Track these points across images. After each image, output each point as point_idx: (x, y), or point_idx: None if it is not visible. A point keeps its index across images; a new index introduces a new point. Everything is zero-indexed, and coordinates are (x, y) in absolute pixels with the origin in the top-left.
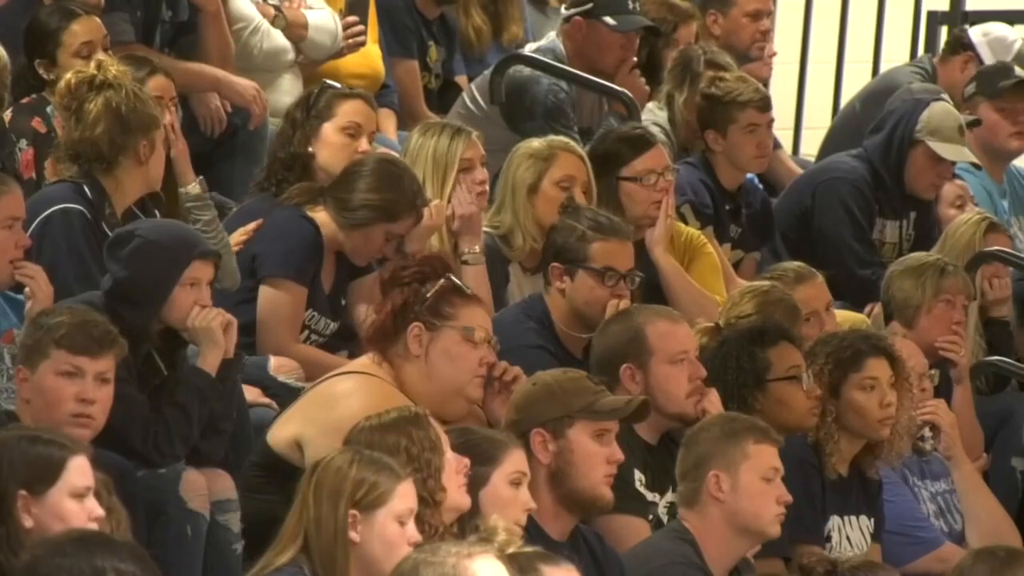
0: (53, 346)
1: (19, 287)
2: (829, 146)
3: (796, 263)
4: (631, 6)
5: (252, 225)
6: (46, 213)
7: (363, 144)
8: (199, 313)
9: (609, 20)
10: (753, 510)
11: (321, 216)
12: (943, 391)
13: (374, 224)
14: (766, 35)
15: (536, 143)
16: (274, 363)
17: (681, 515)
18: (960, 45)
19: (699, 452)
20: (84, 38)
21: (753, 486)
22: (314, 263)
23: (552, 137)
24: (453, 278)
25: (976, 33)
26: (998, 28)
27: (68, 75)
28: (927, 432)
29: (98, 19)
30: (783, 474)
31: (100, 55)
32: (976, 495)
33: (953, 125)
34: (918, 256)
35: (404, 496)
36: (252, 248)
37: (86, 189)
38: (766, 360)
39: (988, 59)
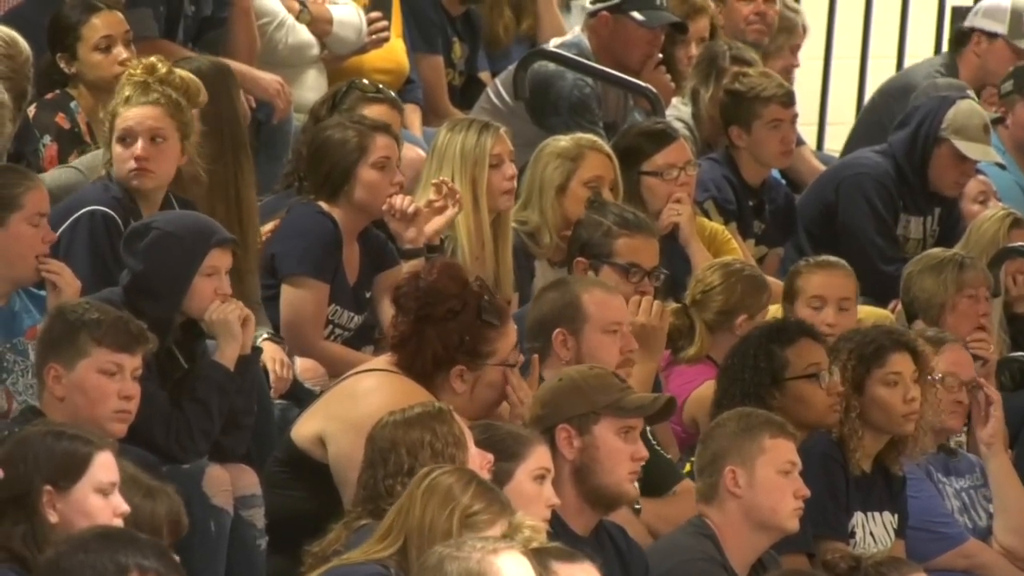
0: (93, 344)
1: (42, 284)
2: (855, 140)
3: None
4: (658, 1)
5: (269, 225)
6: (75, 215)
7: None
8: (216, 307)
9: (637, 16)
10: (770, 504)
11: (337, 210)
12: None
13: (360, 166)
14: (763, 17)
15: (564, 142)
16: (299, 366)
17: (700, 511)
18: (963, 35)
19: (715, 448)
20: (104, 32)
21: (770, 480)
22: (334, 258)
23: (580, 135)
24: (483, 314)
25: (969, 17)
26: (984, 1)
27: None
28: (961, 436)
29: (119, 14)
30: (800, 468)
31: (120, 50)
32: (1009, 488)
33: (978, 124)
34: (934, 253)
35: (504, 528)
36: (271, 247)
37: (118, 188)
38: (784, 359)
39: (991, 27)
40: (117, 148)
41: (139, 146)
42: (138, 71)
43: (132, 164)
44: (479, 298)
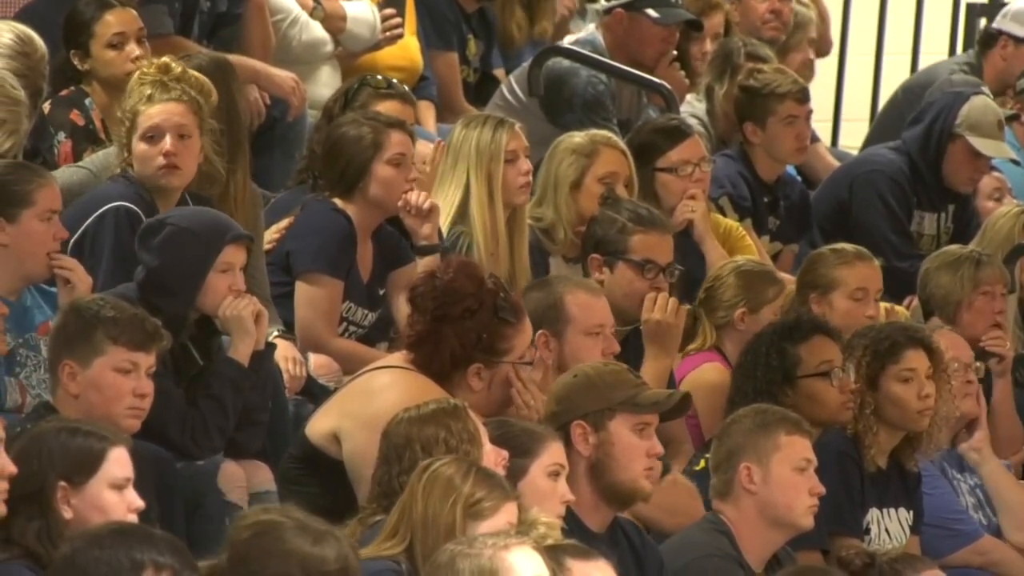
0: (109, 342)
1: (53, 280)
2: (876, 137)
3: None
4: None
5: (284, 222)
6: (101, 210)
7: None
8: (230, 303)
9: (652, 13)
10: (785, 502)
11: (352, 207)
12: (990, 383)
13: (375, 162)
14: (778, 14)
15: (578, 138)
16: (313, 362)
17: (716, 507)
18: (990, 36)
19: (731, 444)
20: (117, 29)
21: (785, 478)
22: (348, 255)
23: (594, 131)
24: (500, 311)
25: (998, 18)
26: (1016, 3)
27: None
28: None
29: (133, 11)
30: (816, 465)
31: (133, 47)
32: (1006, 488)
33: (992, 120)
34: (951, 250)
35: (508, 513)
36: (286, 244)
37: (138, 185)
38: (796, 356)
39: (1020, 32)
40: (141, 146)
41: (168, 142)
42: (151, 71)
43: (161, 161)
44: (495, 296)
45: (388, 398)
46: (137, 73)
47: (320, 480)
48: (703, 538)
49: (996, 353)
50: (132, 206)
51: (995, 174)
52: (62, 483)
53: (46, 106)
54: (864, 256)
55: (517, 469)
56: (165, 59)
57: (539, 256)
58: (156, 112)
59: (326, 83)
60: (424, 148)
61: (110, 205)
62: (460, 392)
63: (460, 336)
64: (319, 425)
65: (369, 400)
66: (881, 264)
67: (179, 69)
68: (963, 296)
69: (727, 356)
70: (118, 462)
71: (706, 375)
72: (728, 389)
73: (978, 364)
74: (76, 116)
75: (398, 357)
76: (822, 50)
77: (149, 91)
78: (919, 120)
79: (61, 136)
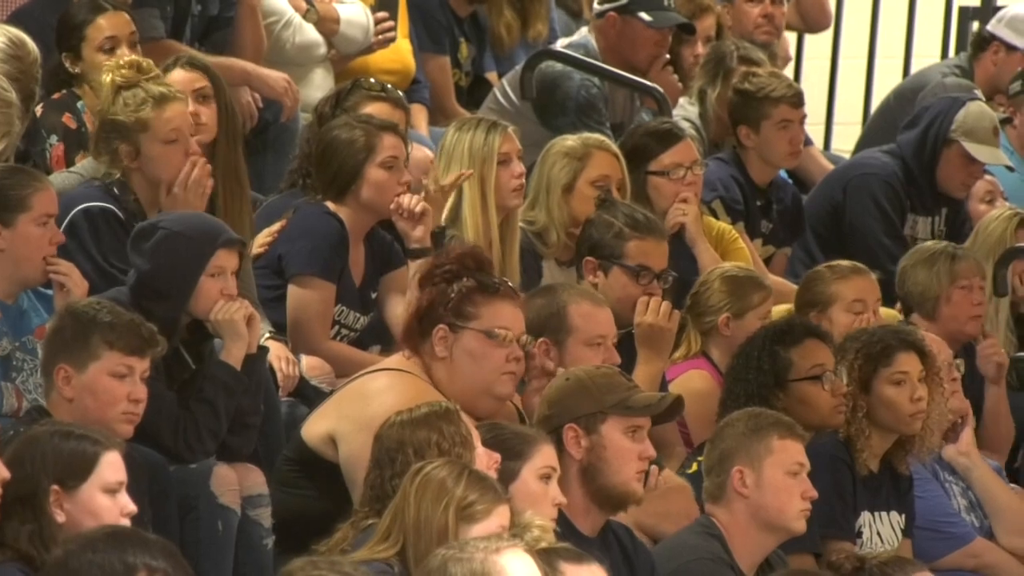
0: (105, 347)
1: (49, 284)
2: (868, 141)
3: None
4: (666, 2)
5: (276, 226)
6: (72, 212)
7: None
8: (222, 306)
9: (645, 16)
10: (777, 505)
11: (344, 210)
12: (968, 381)
13: (367, 165)
14: (771, 19)
15: (571, 141)
16: (305, 364)
17: (708, 510)
18: (983, 40)
19: (724, 447)
20: (108, 33)
21: (777, 481)
22: (340, 258)
23: (587, 135)
24: (479, 276)
25: (993, 22)
26: (1012, 8)
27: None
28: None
29: (126, 14)
30: (808, 469)
31: (124, 51)
32: (997, 492)
33: (988, 127)
34: (926, 246)
35: (500, 516)
36: (278, 247)
37: (115, 189)
38: (788, 360)
39: (1013, 39)
40: (161, 149)
41: (192, 143)
42: (128, 72)
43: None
44: (481, 268)
45: (385, 401)
46: (111, 76)
47: (316, 483)
48: (695, 541)
49: (993, 361)
50: (103, 205)
51: (988, 177)
52: (55, 487)
53: (38, 109)
54: (860, 270)
55: (508, 472)
56: (134, 57)
57: (531, 259)
58: (172, 115)
59: (319, 86)
60: (417, 152)
61: (78, 209)
62: (431, 361)
63: (432, 295)
64: (315, 427)
65: (366, 403)
66: (879, 277)
67: (152, 70)
68: (941, 291)
69: (714, 362)
70: (111, 466)
71: (692, 383)
72: (714, 396)
73: (958, 361)
74: (68, 119)
75: (395, 360)
76: (820, 23)
77: (158, 91)
78: (914, 124)
79: (53, 139)
